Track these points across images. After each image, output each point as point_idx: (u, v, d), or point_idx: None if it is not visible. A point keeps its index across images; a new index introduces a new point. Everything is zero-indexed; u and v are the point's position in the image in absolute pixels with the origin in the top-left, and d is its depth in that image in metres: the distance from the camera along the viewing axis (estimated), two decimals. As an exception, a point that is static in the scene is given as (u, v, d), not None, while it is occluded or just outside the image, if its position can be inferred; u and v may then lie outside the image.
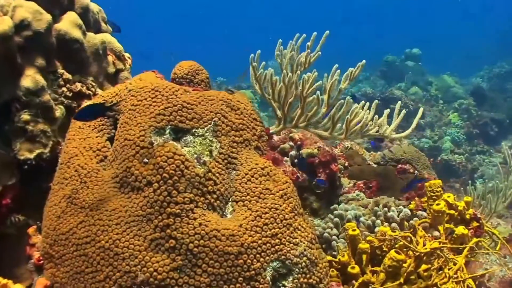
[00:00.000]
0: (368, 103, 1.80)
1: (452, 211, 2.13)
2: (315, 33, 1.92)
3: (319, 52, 1.90)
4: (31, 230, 1.77)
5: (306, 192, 2.64)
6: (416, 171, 2.98)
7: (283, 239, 1.61)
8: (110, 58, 2.06)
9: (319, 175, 2.61)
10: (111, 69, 2.06)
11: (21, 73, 1.70)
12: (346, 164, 3.08)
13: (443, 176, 6.83)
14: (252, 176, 1.65)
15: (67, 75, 1.83)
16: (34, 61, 1.72)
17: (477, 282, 1.90)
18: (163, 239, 1.50)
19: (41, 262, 1.69)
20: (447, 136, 8.31)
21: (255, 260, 1.54)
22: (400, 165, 3.03)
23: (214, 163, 1.61)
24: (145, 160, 1.55)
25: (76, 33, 1.85)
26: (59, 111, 1.79)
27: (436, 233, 2.07)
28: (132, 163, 1.57)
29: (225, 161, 1.65)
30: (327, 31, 1.92)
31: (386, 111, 1.85)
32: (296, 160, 2.67)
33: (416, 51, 12.06)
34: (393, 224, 2.14)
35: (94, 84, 1.94)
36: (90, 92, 1.89)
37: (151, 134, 1.58)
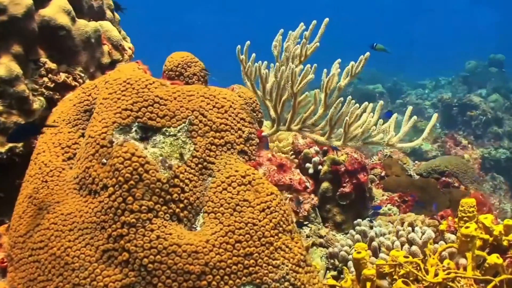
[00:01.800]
0: (371, 105, 1.52)
1: (486, 236, 1.80)
2: (314, 22, 1.67)
3: (317, 43, 1.64)
4: (1, 229, 1.65)
5: (329, 203, 2.40)
6: (461, 185, 2.63)
7: (260, 260, 1.39)
8: (106, 47, 1.92)
9: (344, 185, 2.35)
10: (106, 60, 1.92)
11: (-6, 61, 1.58)
12: (383, 173, 2.79)
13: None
14: (229, 185, 1.44)
15: (51, 65, 1.70)
16: (10, 48, 1.60)
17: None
18: (116, 251, 1.33)
19: (5, 264, 1.57)
20: (527, 147, 7.61)
21: (222, 282, 1.34)
22: (443, 178, 2.69)
23: (183, 168, 1.41)
24: (103, 160, 1.38)
25: (62, 19, 1.73)
26: (38, 103, 1.67)
27: (463, 261, 1.75)
28: (91, 163, 1.41)
29: (199, 165, 1.45)
30: (327, 19, 1.66)
31: (394, 116, 1.57)
32: (319, 167, 2.43)
33: (501, 56, 11.24)
34: (414, 248, 1.85)
35: (82, 75, 1.81)
36: (76, 83, 1.76)
37: (113, 131, 1.40)
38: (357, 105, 1.48)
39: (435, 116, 1.61)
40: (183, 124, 1.48)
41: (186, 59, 1.75)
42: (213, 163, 1.49)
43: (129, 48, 2.05)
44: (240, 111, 1.58)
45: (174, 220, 1.39)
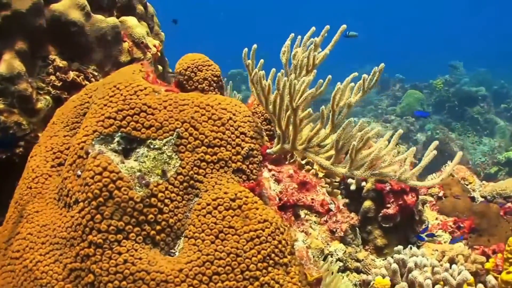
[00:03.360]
0: (390, 133, 1.31)
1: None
2: (327, 27, 1.47)
3: (327, 52, 1.44)
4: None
5: (371, 224, 2.19)
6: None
7: (240, 296, 1.24)
8: (126, 45, 1.84)
9: (388, 205, 2.12)
10: (124, 58, 1.84)
11: (-1, 57, 1.55)
12: (441, 194, 2.51)
13: None
14: (215, 208, 1.31)
15: (59, 62, 1.66)
16: (13, 44, 1.56)
17: None
18: (83, 271, 1.25)
19: (-4, 268, 1.54)
20: None
21: (193, 318, 1.21)
22: (509, 204, 2.36)
23: (164, 186, 1.29)
24: (78, 172, 1.30)
25: (74, 15, 1.67)
26: (43, 102, 1.63)
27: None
28: (68, 173, 1.34)
29: (185, 184, 1.33)
30: (344, 25, 1.44)
31: (412, 149, 1.34)
32: (363, 183, 2.22)
33: None
34: (446, 290, 1.60)
35: (96, 73, 1.75)
36: (88, 82, 1.70)
37: (92, 141, 1.31)
38: (369, 128, 1.27)
39: (459, 154, 1.34)
40: (170, 137, 1.36)
41: (197, 62, 1.63)
42: (202, 182, 1.36)
43: (154, 46, 1.96)
44: (241, 124, 1.43)
45: (148, 243, 1.28)
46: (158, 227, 1.29)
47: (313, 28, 1.47)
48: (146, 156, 1.34)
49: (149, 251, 1.27)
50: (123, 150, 1.35)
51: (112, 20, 1.79)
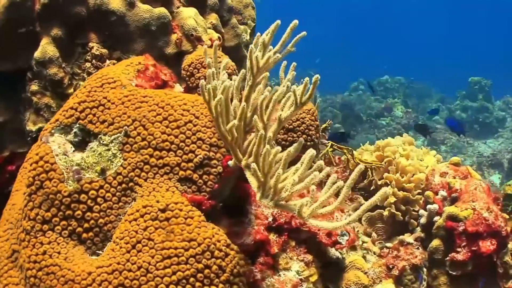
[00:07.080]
0: (307, 155, 1.06)
1: None
2: (278, 22, 1.22)
3: (278, 55, 1.18)
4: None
5: (437, 268, 1.88)
6: None
7: (140, 316, 1.20)
8: (174, 36, 1.86)
9: (458, 249, 1.80)
10: (170, 50, 1.86)
11: (39, 42, 1.74)
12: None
13: None
14: (141, 216, 1.28)
15: (96, 50, 1.77)
16: (50, 31, 1.73)
17: None
18: (19, 254, 1.33)
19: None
20: None
21: (92, 324, 1.21)
22: None
23: (98, 184, 1.31)
24: (34, 158, 1.38)
25: (115, 4, 1.77)
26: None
27: None
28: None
29: (123, 185, 1.32)
30: (295, 21, 1.18)
31: (314, 174, 1.06)
32: (436, 218, 1.91)
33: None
34: None
35: (136, 63, 1.81)
36: (124, 71, 1.78)
37: (52, 130, 1.39)
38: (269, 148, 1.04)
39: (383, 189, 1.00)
40: (119, 134, 1.34)
41: (202, 57, 1.57)
42: (141, 186, 1.33)
43: (210, 39, 1.93)
44: (202, 129, 1.35)
45: (74, 240, 1.31)
46: (86, 225, 1.31)
47: (278, 22, 1.24)
48: (94, 151, 1.36)
49: (73, 248, 1.30)
50: (79, 142, 1.39)
51: (159, 10, 1.83)
